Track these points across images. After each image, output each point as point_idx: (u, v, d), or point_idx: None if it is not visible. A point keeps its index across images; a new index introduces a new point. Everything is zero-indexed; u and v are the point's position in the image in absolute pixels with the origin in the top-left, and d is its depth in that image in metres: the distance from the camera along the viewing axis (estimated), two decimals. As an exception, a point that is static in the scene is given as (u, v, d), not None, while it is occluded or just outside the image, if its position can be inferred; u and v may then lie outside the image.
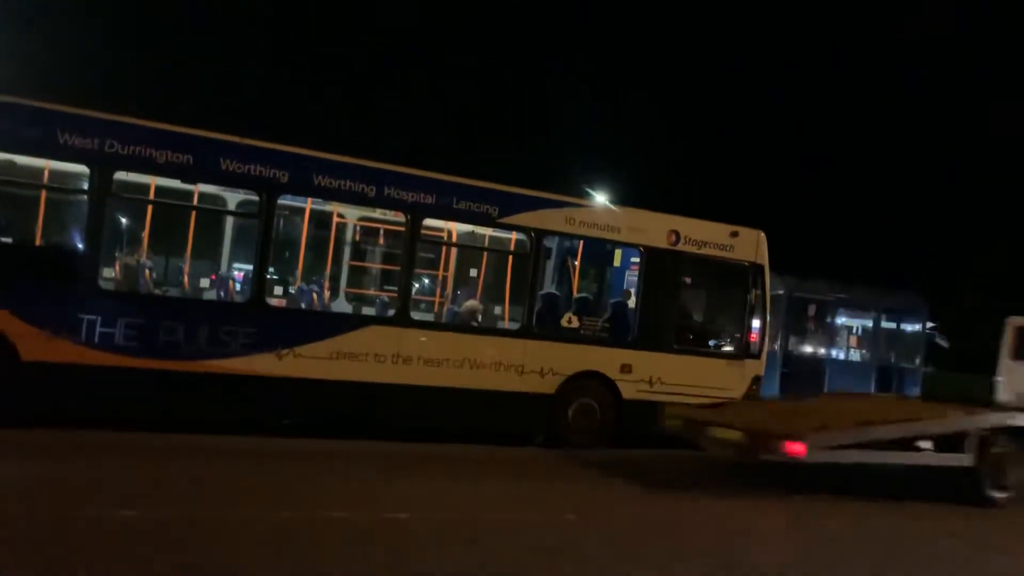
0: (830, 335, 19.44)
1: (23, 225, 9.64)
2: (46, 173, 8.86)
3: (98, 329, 8.18)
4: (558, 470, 9.12)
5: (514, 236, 10.90)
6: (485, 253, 11.96)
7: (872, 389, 18.68)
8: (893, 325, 20.20)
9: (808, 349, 19.48)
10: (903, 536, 7.65)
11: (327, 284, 11.09)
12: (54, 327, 8.01)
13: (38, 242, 9.41)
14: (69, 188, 9.15)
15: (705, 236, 11.12)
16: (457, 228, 11.17)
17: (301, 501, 6.50)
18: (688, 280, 11.31)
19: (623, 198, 21.72)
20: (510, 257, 11.54)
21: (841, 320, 20.27)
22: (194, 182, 9.31)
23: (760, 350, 11.44)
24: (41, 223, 9.29)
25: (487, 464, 9.03)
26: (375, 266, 12.12)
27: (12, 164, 8.69)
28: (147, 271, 9.67)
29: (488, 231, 11.26)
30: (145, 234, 9.88)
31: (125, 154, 8.32)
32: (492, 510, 6.87)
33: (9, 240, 9.26)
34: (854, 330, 21.19)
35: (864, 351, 20.06)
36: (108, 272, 9.38)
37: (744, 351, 11.32)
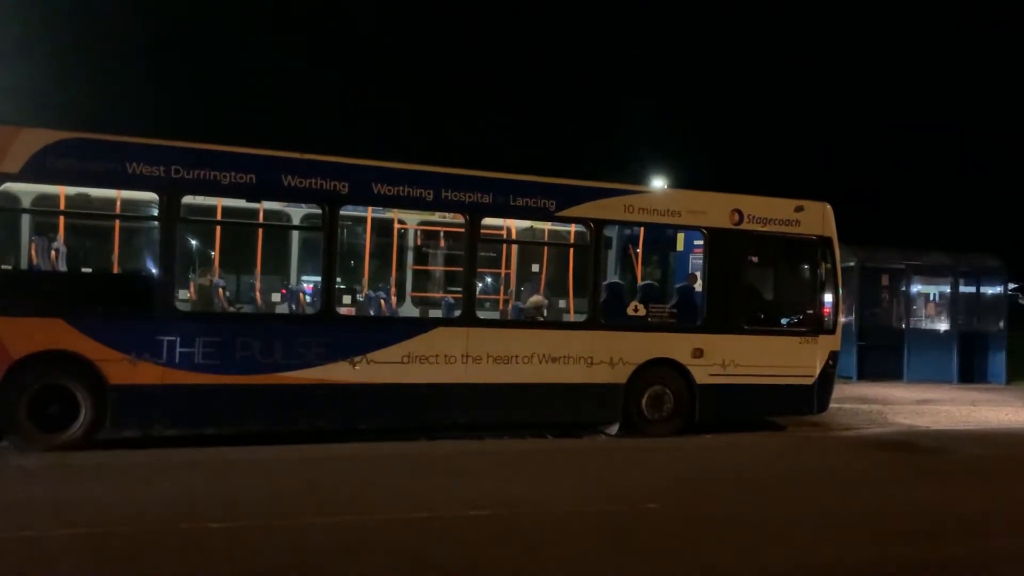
0: (906, 304, 18.85)
1: (101, 255, 10.04)
2: (118, 203, 9.20)
3: (178, 349, 8.44)
4: (633, 459, 9.07)
5: (573, 228, 10.86)
6: (546, 247, 11.96)
7: (955, 356, 18.08)
8: (972, 289, 19.50)
9: (885, 320, 18.95)
10: None
11: (393, 290, 11.23)
12: (137, 351, 8.30)
13: (116, 270, 9.77)
14: (141, 216, 9.50)
15: (769, 213, 10.90)
16: (516, 225, 11.20)
17: (380, 504, 6.60)
18: (755, 259, 11.09)
19: (682, 181, 21.44)
20: (571, 250, 11.50)
21: (916, 288, 19.65)
22: (258, 200, 9.57)
23: (834, 325, 11.15)
24: (117, 251, 9.66)
25: (561, 458, 9.03)
26: (439, 268, 12.23)
27: (86, 197, 9.06)
28: (220, 290, 9.95)
29: (547, 225, 11.25)
30: (216, 254, 10.18)
31: (191, 179, 8.56)
32: (571, 503, 6.88)
33: (89, 270, 9.63)
34: (931, 297, 20.53)
35: (943, 318, 19.41)
36: (184, 294, 9.70)
37: (818, 327, 11.05)
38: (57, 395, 8.11)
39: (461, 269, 10.02)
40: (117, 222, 9.64)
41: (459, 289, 10.23)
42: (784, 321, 11.31)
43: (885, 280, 18.87)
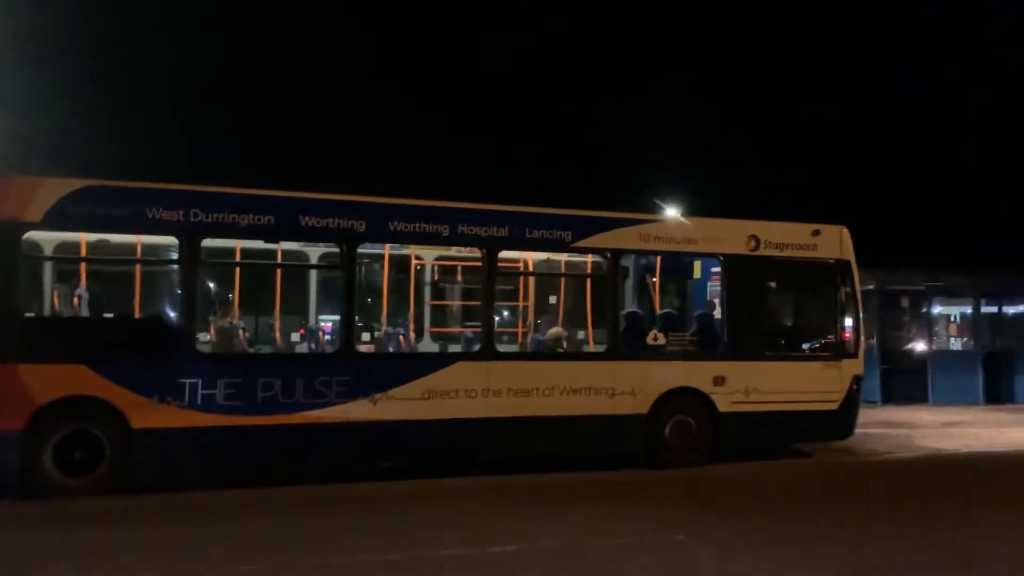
0: (928, 326, 18.66)
1: (122, 300, 10.13)
2: (138, 248, 9.30)
3: (200, 392, 8.46)
4: (659, 490, 8.97)
5: (590, 259, 10.88)
6: (563, 279, 11.95)
7: (980, 377, 17.82)
8: (994, 309, 19.29)
9: (907, 343, 18.75)
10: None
11: (412, 325, 11.24)
12: (160, 394, 8.32)
13: (137, 314, 9.85)
14: (161, 260, 9.59)
15: (785, 238, 10.87)
16: (533, 257, 11.23)
17: (409, 541, 6.55)
18: (773, 284, 11.06)
19: (697, 208, 21.45)
20: (588, 280, 11.50)
21: (938, 309, 19.46)
22: (277, 241, 9.65)
23: (856, 349, 11.05)
24: (139, 296, 9.74)
25: (587, 490, 8.94)
26: (457, 303, 12.24)
27: (106, 243, 9.17)
28: (240, 331, 9.99)
29: (564, 256, 11.27)
30: (235, 296, 10.24)
31: (210, 221, 8.66)
32: (599, 536, 6.80)
33: (111, 315, 9.71)
34: (953, 318, 20.33)
35: (966, 339, 19.18)
36: (204, 336, 9.74)
37: (840, 351, 10.95)
38: (82, 441, 8.13)
39: (479, 303, 10.03)
40: (138, 267, 9.73)
41: (477, 323, 10.23)
42: (806, 346, 11.22)
43: (906, 302, 18.72)
